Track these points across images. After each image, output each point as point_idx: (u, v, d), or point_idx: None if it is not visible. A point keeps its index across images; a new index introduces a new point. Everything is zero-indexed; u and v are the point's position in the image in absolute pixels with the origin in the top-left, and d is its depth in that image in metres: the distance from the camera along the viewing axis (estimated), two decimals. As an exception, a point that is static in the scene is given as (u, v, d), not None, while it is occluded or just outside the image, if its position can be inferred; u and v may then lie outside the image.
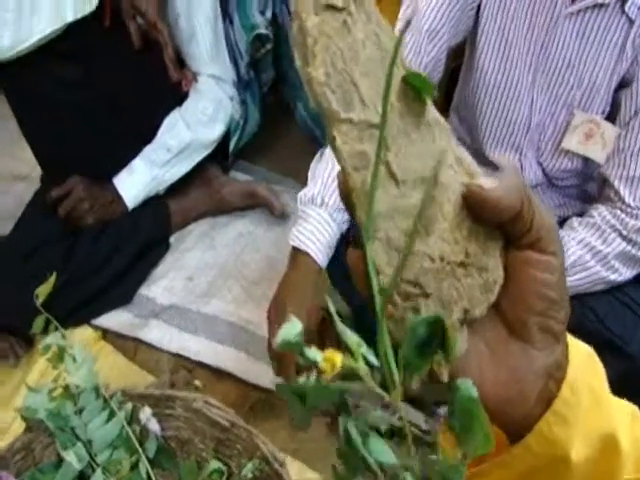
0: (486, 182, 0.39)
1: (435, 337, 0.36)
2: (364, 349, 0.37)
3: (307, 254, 1.29)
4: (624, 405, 0.47)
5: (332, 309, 0.38)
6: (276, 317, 1.30)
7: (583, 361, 0.43)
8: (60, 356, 1.09)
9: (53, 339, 1.08)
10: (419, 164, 0.39)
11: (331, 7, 0.38)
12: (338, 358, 0.36)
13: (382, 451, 0.38)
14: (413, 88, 0.39)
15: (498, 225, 0.40)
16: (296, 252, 1.32)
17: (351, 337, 0.37)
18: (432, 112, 0.40)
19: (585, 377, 0.42)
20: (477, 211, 0.39)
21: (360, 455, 0.38)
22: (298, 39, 0.37)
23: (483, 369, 0.41)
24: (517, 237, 0.40)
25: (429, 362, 0.37)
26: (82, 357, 1.09)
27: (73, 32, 1.48)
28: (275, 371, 1.33)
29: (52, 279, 1.07)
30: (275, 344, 0.35)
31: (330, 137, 0.38)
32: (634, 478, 0.45)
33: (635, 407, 0.47)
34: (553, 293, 0.40)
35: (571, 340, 0.44)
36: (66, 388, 1.08)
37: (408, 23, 1.17)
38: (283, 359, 1.29)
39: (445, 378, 0.40)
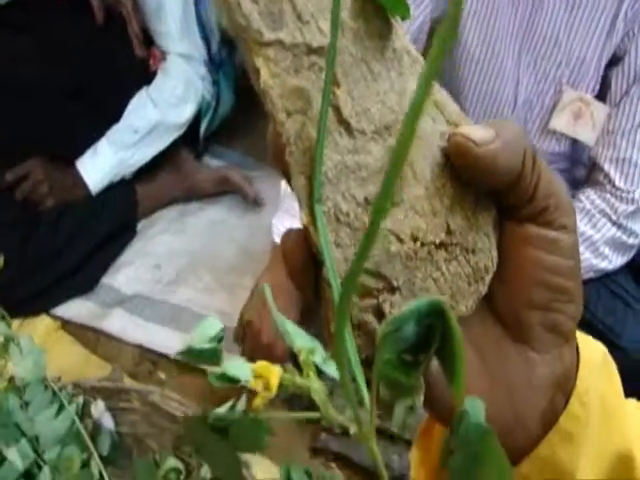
0: (477, 131, 0.29)
1: (431, 338, 0.25)
2: (320, 357, 0.27)
3: None
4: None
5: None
6: (255, 319, 1.21)
7: (596, 366, 0.34)
8: (5, 346, 1.02)
9: (-3, 327, 1.00)
10: (381, 107, 0.29)
11: None
12: (274, 373, 0.25)
13: None
14: (376, 3, 0.29)
15: (491, 191, 0.31)
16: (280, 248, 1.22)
17: (299, 338, 0.27)
18: (400, 37, 0.30)
19: (598, 384, 0.34)
20: (464, 172, 0.30)
21: None
22: None
23: (470, 383, 0.30)
24: (515, 207, 0.31)
25: (419, 380, 0.26)
26: (29, 347, 1.02)
27: (25, 1, 1.40)
28: None
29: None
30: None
31: (252, 68, 0.28)
32: None
33: None
34: (561, 280, 0.31)
35: (581, 338, 0.34)
36: (11, 380, 1.01)
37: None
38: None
39: (420, 400, 0.30)
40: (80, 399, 1.04)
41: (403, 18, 0.30)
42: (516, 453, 0.33)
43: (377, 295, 0.29)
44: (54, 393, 1.02)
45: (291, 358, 0.29)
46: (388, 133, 0.29)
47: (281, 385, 0.26)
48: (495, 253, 0.32)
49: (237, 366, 0.26)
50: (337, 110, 0.28)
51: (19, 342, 1.01)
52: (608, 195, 1.21)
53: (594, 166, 1.25)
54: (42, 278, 1.49)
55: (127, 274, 1.61)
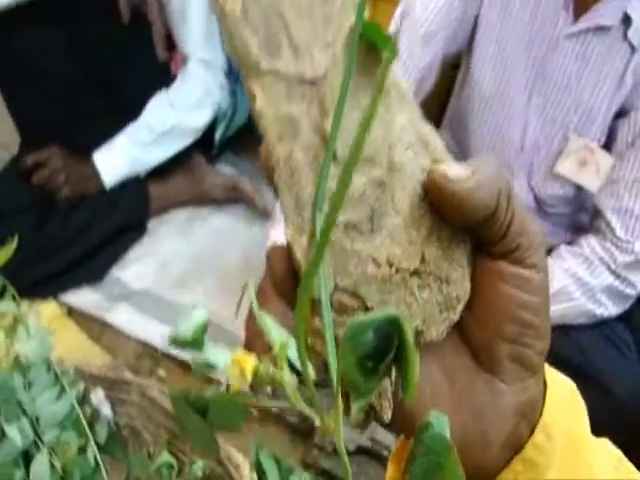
0: (454, 169, 0.30)
1: (389, 348, 0.26)
2: (294, 352, 0.29)
3: None
4: (608, 451, 0.39)
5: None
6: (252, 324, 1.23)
7: (563, 400, 0.36)
8: (14, 326, 1.03)
9: (7, 306, 1.01)
10: (367, 139, 0.30)
11: None
12: (249, 362, 0.27)
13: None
14: (369, 42, 0.30)
15: (467, 226, 0.32)
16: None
17: (274, 333, 0.29)
18: (391, 75, 0.32)
19: (564, 420, 0.35)
20: (440, 207, 0.31)
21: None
22: None
23: (439, 405, 0.33)
24: (489, 243, 0.32)
25: (378, 384, 0.27)
26: (36, 328, 1.03)
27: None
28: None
29: (13, 244, 1.02)
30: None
31: (250, 94, 0.30)
32: None
33: (621, 453, 0.39)
34: (530, 316, 0.33)
35: (551, 374, 0.36)
36: (16, 359, 1.02)
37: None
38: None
39: (387, 416, 0.32)
40: (81, 385, 1.04)
41: (390, 53, 0.31)
42: (482, 473, 0.34)
43: (351, 313, 0.31)
44: (56, 376, 1.03)
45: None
46: (371, 164, 0.30)
47: (257, 375, 0.28)
48: (468, 284, 0.33)
49: (216, 353, 0.28)
50: (324, 138, 0.30)
51: (27, 323, 1.02)
52: (609, 244, 1.22)
53: (597, 213, 1.26)
54: (52, 264, 1.52)
55: (135, 270, 1.63)
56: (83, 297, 1.54)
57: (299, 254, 0.30)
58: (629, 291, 1.23)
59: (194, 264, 1.67)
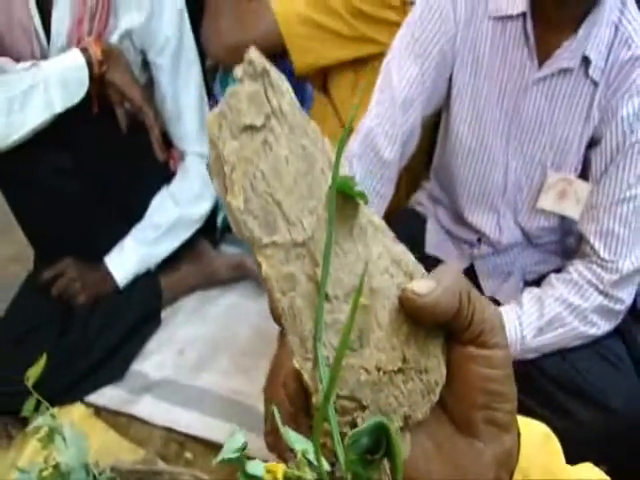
0: (421, 285, 0.38)
1: (380, 444, 0.34)
2: (312, 456, 0.35)
3: None
4: (590, 471, 0.45)
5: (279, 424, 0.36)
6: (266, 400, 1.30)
7: (537, 444, 0.42)
8: (50, 436, 1.11)
9: (43, 420, 1.10)
10: (351, 275, 0.37)
11: (250, 128, 0.36)
12: (279, 469, 0.35)
13: None
14: (344, 194, 0.38)
15: (437, 324, 0.39)
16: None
17: (297, 441, 0.36)
18: (365, 213, 0.39)
19: (539, 459, 0.41)
20: (414, 315, 0.38)
21: None
22: (215, 167, 0.36)
23: (430, 469, 0.39)
24: (458, 332, 0.39)
25: (377, 471, 0.35)
26: (72, 436, 1.11)
27: (63, 121, 1.54)
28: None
29: (42, 361, 1.11)
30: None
31: (256, 263, 0.37)
32: None
33: (601, 474, 0.45)
34: (497, 386, 0.39)
35: (524, 424, 0.43)
36: (56, 467, 1.09)
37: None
38: (278, 446, 1.27)
39: None
40: (117, 482, 1.12)
41: (362, 202, 0.39)
42: None
43: (352, 412, 0.37)
44: (94, 478, 1.10)
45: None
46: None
47: (286, 477, 0.36)
48: (444, 369, 0.39)
49: (254, 466, 0.36)
50: (317, 284, 0.36)
51: (62, 432, 1.10)
52: (594, 266, 1.29)
53: (581, 238, 1.34)
54: (76, 369, 1.60)
55: (154, 360, 1.72)
56: (107, 395, 1.62)
57: (306, 377, 0.36)
58: (618, 307, 1.30)
59: (209, 346, 1.76)
